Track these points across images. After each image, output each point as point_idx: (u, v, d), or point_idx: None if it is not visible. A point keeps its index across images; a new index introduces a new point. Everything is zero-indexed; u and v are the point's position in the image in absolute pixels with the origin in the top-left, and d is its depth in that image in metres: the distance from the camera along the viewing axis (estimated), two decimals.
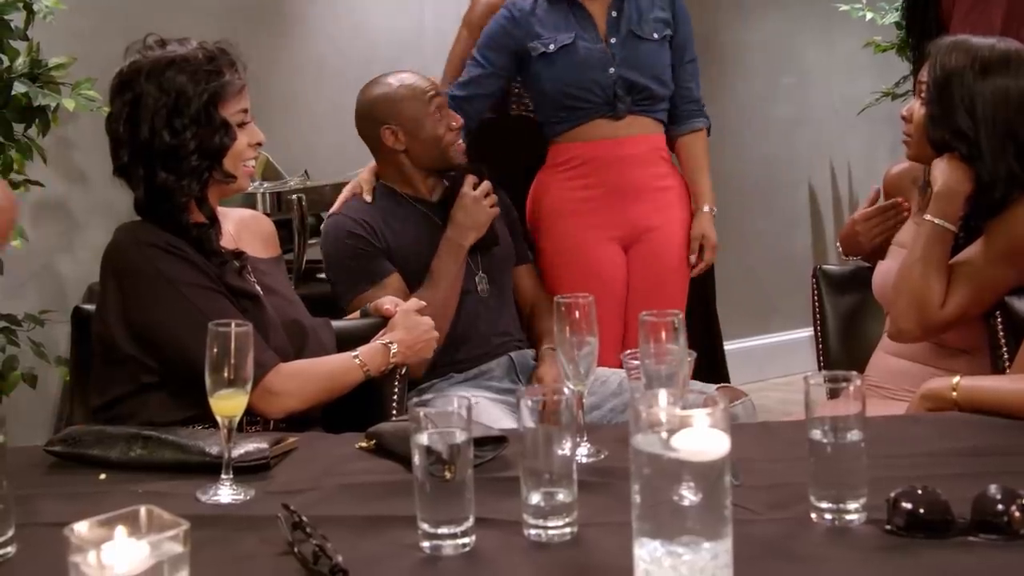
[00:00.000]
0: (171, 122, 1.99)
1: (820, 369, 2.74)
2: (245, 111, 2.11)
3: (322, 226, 2.86)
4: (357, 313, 2.39)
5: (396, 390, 2.19)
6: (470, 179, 2.70)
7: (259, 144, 2.16)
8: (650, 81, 2.96)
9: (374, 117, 2.76)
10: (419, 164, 2.76)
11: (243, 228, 2.23)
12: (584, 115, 2.99)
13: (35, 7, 3.13)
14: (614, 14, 2.98)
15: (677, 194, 3.03)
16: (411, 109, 2.72)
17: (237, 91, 2.10)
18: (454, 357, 2.63)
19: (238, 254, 2.09)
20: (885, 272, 2.44)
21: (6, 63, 3.13)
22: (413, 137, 2.72)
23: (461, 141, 2.79)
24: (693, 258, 3.01)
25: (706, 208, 3.04)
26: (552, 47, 2.97)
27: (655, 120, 3.02)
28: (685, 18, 3.07)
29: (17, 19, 3.16)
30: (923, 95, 2.28)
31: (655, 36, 2.98)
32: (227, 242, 2.10)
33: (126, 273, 2.00)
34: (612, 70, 2.94)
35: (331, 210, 2.80)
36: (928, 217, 2.23)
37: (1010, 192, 2.18)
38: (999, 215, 2.20)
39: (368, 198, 2.73)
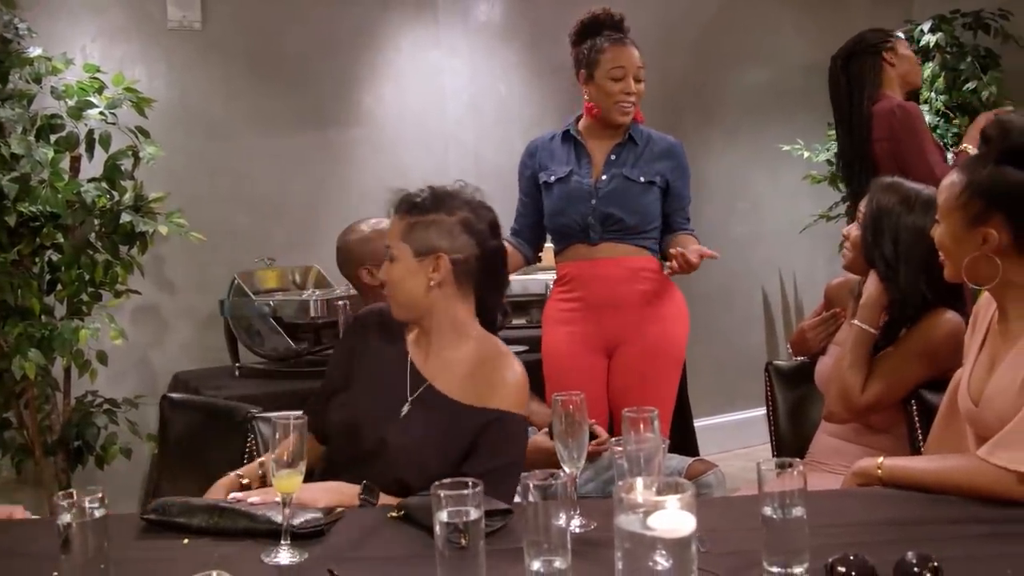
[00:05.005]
0: None
1: (772, 444, 2.74)
2: None
3: None
4: None
5: None
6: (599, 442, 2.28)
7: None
8: (626, 215, 2.86)
9: (351, 259, 2.67)
10: None
11: None
12: (569, 238, 2.94)
13: (140, 155, 3.20)
14: (613, 157, 2.90)
15: (654, 310, 2.88)
16: (381, 250, 2.58)
17: None
18: None
19: None
20: (824, 365, 2.45)
21: (117, 198, 3.20)
22: None
23: None
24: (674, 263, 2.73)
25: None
26: (552, 178, 2.94)
27: (634, 246, 2.89)
28: (684, 171, 2.95)
29: (126, 163, 3.24)
30: (860, 221, 2.32)
31: (642, 180, 2.87)
32: None
33: None
34: (593, 202, 2.88)
35: None
36: (855, 322, 2.26)
37: (921, 311, 2.21)
38: (915, 324, 2.22)
39: None
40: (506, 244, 3.02)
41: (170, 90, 3.81)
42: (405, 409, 1.95)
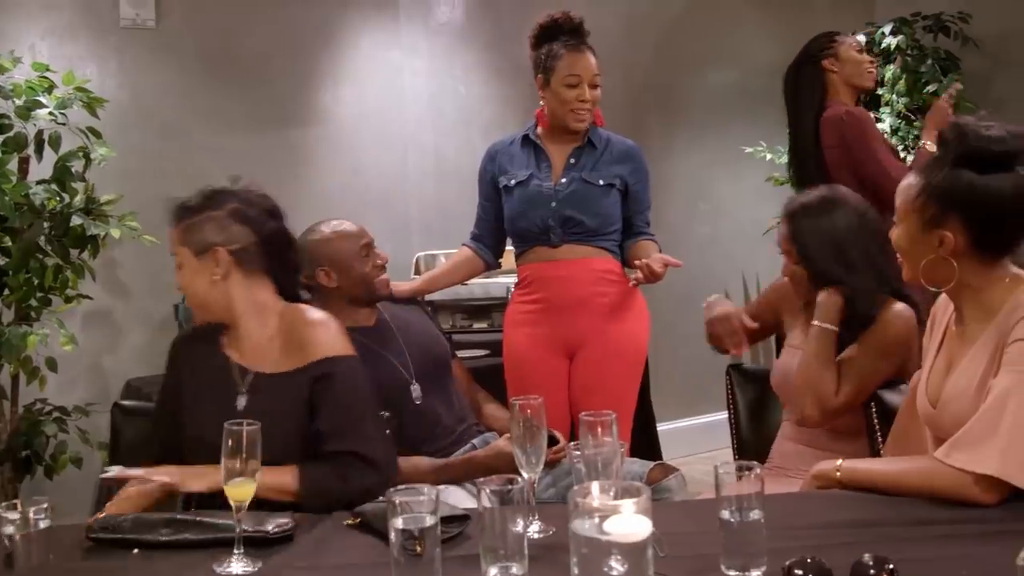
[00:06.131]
0: None
1: (734, 447, 2.76)
2: None
3: None
4: None
5: None
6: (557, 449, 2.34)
7: None
8: (586, 217, 2.86)
9: (310, 260, 2.63)
10: (351, 299, 2.63)
11: None
12: (530, 241, 2.94)
13: (92, 156, 3.17)
14: (572, 160, 2.91)
15: (615, 312, 2.88)
16: (341, 251, 2.60)
17: None
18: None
19: None
20: (780, 368, 2.48)
21: (67, 200, 3.16)
22: (343, 275, 2.60)
23: (386, 276, 2.68)
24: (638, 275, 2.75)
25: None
26: (512, 182, 2.94)
27: (594, 247, 2.89)
28: (643, 175, 2.95)
29: (77, 165, 3.20)
30: (790, 258, 2.38)
31: (601, 183, 2.88)
32: None
33: None
34: (553, 205, 2.88)
35: None
36: (816, 323, 2.29)
37: (876, 302, 2.25)
38: (871, 319, 2.26)
39: None
40: (466, 250, 3.06)
41: (122, 90, 3.77)
42: (241, 403, 2.00)
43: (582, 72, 2.87)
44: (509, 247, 3.11)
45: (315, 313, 2.05)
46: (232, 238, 2.01)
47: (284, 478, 1.86)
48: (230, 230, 2.02)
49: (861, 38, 3.69)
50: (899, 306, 2.29)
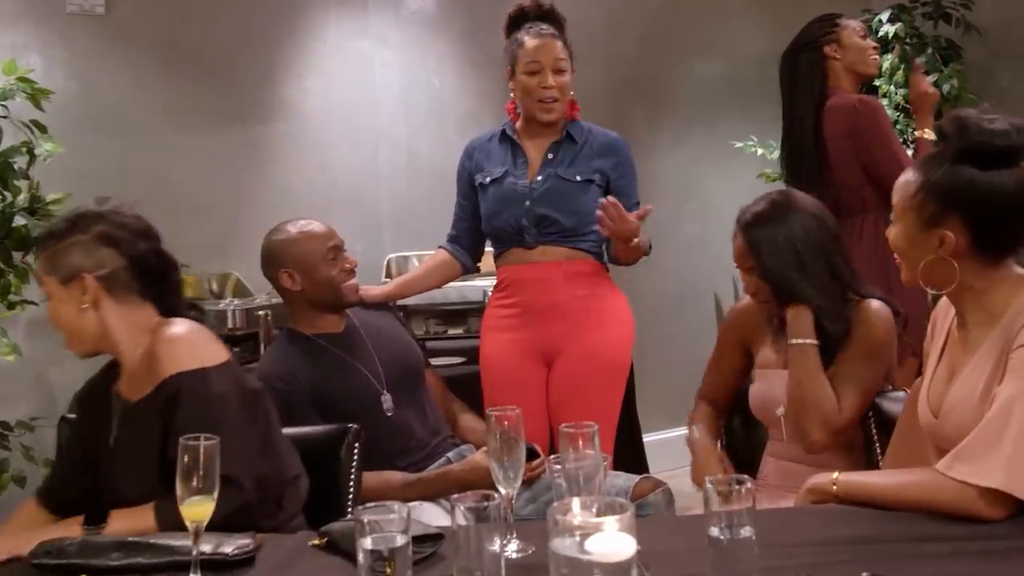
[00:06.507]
0: None
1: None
2: None
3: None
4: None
5: (351, 491, 2.17)
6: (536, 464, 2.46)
7: None
8: (562, 216, 2.85)
9: (273, 261, 2.66)
10: (315, 304, 2.64)
11: None
12: (506, 241, 2.95)
13: (36, 151, 3.14)
14: (550, 156, 2.90)
15: (594, 316, 2.87)
16: (306, 253, 2.62)
17: None
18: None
19: None
20: (759, 395, 2.45)
21: (9, 199, 3.12)
22: (308, 278, 2.61)
23: (355, 280, 2.69)
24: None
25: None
26: (488, 179, 2.95)
27: (572, 248, 2.88)
28: (628, 169, 2.94)
29: (21, 161, 3.16)
30: (749, 272, 2.39)
31: (578, 179, 2.87)
32: None
33: None
34: (527, 203, 2.87)
35: None
36: (792, 341, 2.29)
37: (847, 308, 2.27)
38: (850, 326, 2.26)
39: None
40: (442, 252, 3.05)
41: (70, 81, 3.74)
42: (111, 439, 1.99)
43: (542, 57, 2.86)
44: (489, 248, 3.11)
45: (175, 327, 1.97)
46: (99, 263, 1.98)
47: (140, 523, 1.80)
48: (97, 255, 1.99)
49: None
50: (875, 304, 2.30)
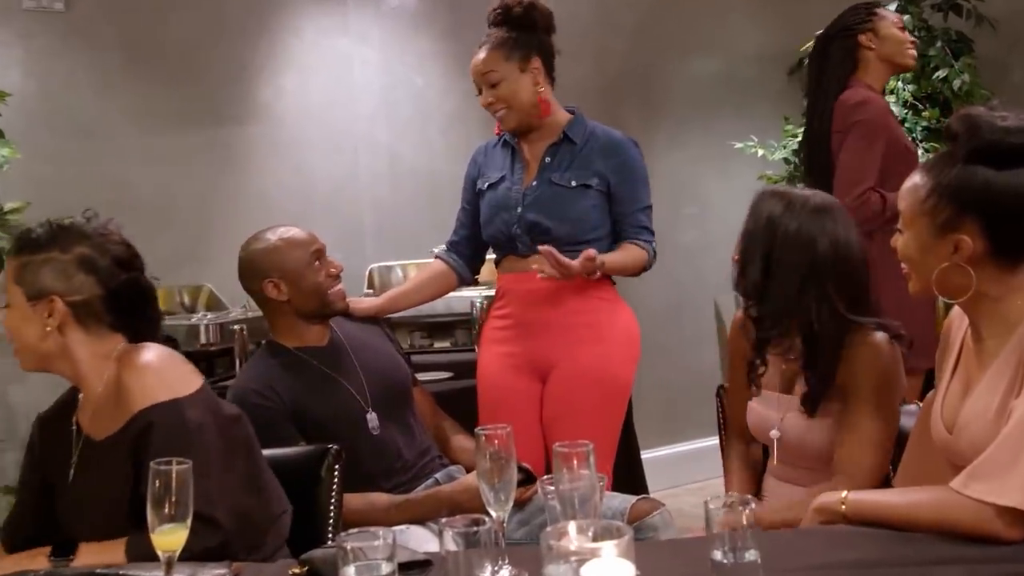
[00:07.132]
0: None
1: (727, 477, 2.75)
2: None
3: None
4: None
5: (332, 515, 2.16)
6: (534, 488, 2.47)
7: None
8: (554, 224, 2.83)
9: (255, 271, 2.64)
10: (302, 313, 2.64)
11: None
12: (503, 249, 2.96)
13: None
14: (547, 159, 2.90)
15: (590, 330, 2.85)
16: (291, 260, 2.62)
17: None
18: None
19: None
20: (754, 414, 2.43)
21: None
22: (294, 287, 2.61)
23: (341, 286, 2.70)
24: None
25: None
26: (485, 185, 2.97)
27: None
28: (629, 172, 2.90)
29: None
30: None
31: (573, 184, 2.86)
32: None
33: None
34: (519, 210, 2.88)
35: None
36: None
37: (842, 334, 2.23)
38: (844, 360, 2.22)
39: None
40: (437, 263, 3.05)
41: (28, 81, 3.74)
42: (70, 477, 1.96)
43: (474, 76, 2.94)
44: (491, 255, 3.11)
45: (144, 354, 1.93)
46: (73, 288, 1.95)
47: (109, 557, 1.78)
48: (73, 279, 1.95)
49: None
50: (875, 337, 2.21)
